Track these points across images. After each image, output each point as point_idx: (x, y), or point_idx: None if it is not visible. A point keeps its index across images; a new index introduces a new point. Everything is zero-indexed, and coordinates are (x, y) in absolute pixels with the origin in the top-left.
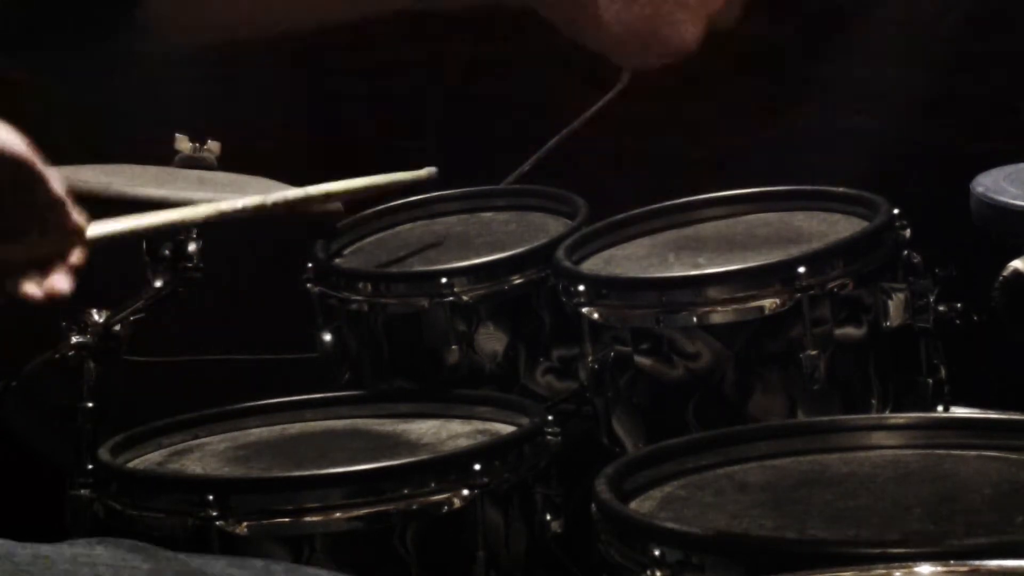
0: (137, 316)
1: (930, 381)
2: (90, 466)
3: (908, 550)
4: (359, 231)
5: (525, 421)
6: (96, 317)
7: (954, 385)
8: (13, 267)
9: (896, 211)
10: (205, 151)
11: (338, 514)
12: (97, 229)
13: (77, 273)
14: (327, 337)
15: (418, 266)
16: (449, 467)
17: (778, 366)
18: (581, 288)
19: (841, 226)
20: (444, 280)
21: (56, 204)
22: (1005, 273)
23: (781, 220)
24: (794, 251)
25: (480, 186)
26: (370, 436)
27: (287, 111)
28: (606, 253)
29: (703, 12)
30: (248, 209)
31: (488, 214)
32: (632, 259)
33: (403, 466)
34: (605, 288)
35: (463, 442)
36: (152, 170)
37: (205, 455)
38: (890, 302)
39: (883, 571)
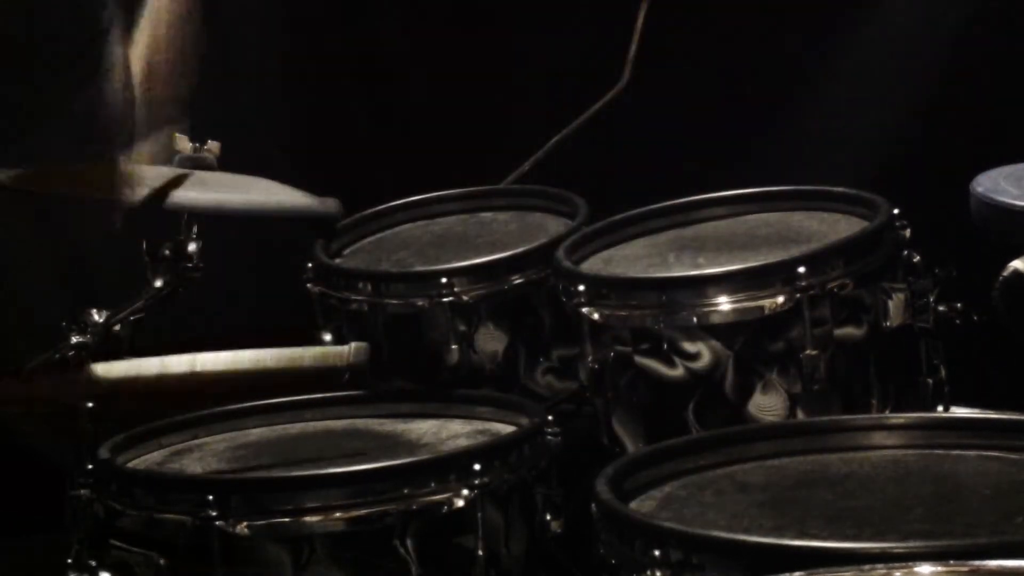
0: (137, 316)
1: (930, 381)
2: (90, 466)
3: (908, 550)
4: (359, 231)
5: (525, 421)
6: (96, 317)
7: (954, 385)
8: None
9: (896, 211)
10: (205, 151)
11: (338, 514)
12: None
13: None
14: (327, 337)
15: (418, 266)
16: (449, 467)
17: (778, 366)
18: (581, 288)
19: (841, 226)
20: (444, 280)
21: None
22: (1005, 273)
23: (781, 220)
24: (794, 251)
25: (480, 186)
26: (370, 436)
27: (286, 110)
28: (606, 253)
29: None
30: None
31: (488, 214)
32: (632, 259)
33: (403, 466)
34: (605, 288)
35: (463, 442)
36: (152, 170)
37: (205, 455)
38: (890, 302)
39: (883, 571)
